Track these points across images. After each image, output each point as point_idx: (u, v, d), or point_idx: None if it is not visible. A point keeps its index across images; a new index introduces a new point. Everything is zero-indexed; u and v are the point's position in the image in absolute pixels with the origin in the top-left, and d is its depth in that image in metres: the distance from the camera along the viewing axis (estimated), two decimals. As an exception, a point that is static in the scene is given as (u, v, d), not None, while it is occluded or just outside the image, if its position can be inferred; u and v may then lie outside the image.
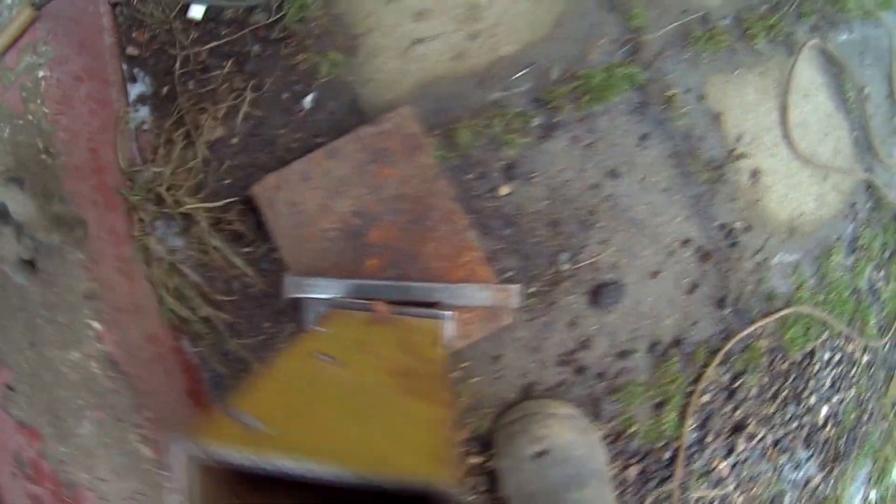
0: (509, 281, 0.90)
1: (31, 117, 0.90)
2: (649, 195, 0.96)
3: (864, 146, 1.28)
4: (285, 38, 0.98)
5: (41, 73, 0.93)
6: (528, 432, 0.88)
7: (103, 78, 1.01)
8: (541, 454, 0.86)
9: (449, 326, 0.72)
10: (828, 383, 1.24)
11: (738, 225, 1.03)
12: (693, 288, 0.99)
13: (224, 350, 0.97)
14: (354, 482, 0.33)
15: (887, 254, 1.33)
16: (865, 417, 1.32)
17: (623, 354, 0.95)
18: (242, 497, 0.40)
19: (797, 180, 1.12)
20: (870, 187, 1.27)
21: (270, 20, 0.97)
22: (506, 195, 0.90)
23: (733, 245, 1.03)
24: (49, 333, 0.91)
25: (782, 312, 1.09)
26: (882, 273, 1.33)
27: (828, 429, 1.24)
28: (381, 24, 0.93)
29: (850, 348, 1.28)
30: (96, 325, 0.90)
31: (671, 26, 1.01)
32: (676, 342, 0.99)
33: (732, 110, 1.05)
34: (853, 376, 1.28)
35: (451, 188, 0.85)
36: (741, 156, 1.04)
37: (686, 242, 0.99)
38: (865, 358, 1.30)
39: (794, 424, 1.21)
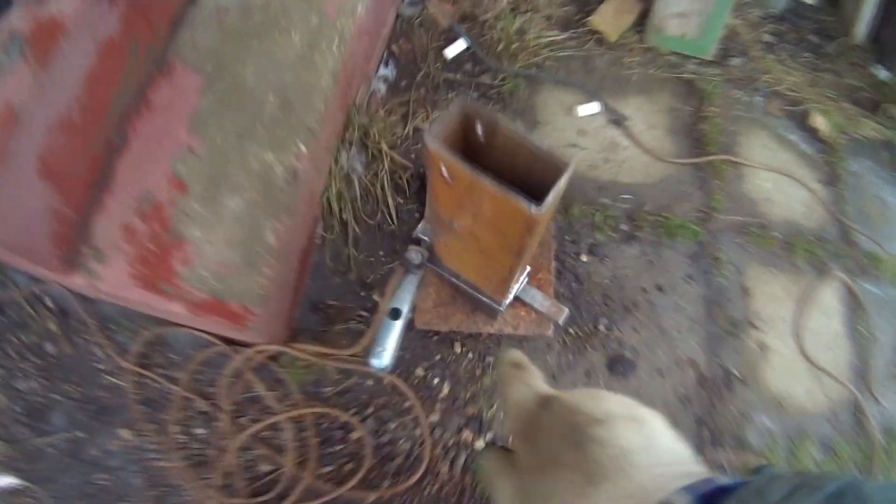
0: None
1: (339, 25, 1.08)
2: (678, 315, 1.21)
3: (860, 375, 1.44)
4: (496, 102, 1.32)
5: (359, 9, 1.13)
6: None
7: (373, 47, 1.28)
8: None
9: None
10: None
11: (736, 372, 1.24)
12: (684, 399, 1.19)
13: (338, 250, 1.15)
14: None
15: (858, 472, 1.44)
16: None
17: (614, 416, 1.18)
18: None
19: (795, 368, 1.31)
20: (856, 409, 1.42)
21: (492, 83, 1.32)
22: (584, 261, 1.18)
23: (728, 385, 1.22)
24: (260, 134, 0.95)
25: (752, 461, 1.22)
26: (847, 486, 1.44)
27: None
28: (555, 124, 1.30)
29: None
30: (303, 148, 0.96)
31: (737, 217, 1.36)
32: (657, 431, 1.20)
33: (760, 292, 1.31)
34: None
35: (554, 233, 1.15)
36: (755, 327, 1.28)
37: (692, 362, 1.20)
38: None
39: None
